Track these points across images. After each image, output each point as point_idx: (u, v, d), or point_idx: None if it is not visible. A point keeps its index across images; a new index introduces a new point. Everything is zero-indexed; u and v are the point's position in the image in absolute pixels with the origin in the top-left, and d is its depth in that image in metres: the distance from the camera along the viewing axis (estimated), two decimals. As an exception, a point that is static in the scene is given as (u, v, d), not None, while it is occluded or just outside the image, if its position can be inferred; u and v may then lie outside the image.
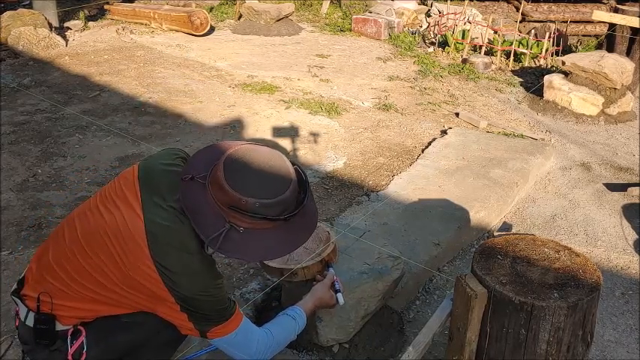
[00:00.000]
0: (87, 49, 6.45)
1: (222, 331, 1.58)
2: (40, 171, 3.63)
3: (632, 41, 5.94)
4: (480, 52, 6.79)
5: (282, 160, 1.52)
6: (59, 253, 1.57)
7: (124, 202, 1.51)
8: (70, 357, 1.55)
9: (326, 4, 9.06)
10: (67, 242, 1.56)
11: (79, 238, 1.53)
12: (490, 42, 6.86)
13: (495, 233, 3.34)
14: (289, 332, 1.77)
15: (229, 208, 1.44)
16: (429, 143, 4.23)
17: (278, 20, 7.61)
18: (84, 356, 1.56)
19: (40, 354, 1.60)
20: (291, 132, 4.39)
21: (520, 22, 8.00)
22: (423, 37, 7.63)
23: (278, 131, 4.39)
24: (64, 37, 6.64)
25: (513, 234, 2.38)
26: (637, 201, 3.66)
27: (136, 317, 1.57)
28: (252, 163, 1.48)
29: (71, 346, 1.55)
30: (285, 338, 1.77)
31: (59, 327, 1.57)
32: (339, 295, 1.96)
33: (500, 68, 6.49)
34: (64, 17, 7.41)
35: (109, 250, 1.47)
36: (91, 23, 7.58)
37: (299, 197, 1.52)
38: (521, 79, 6.12)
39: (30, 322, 1.57)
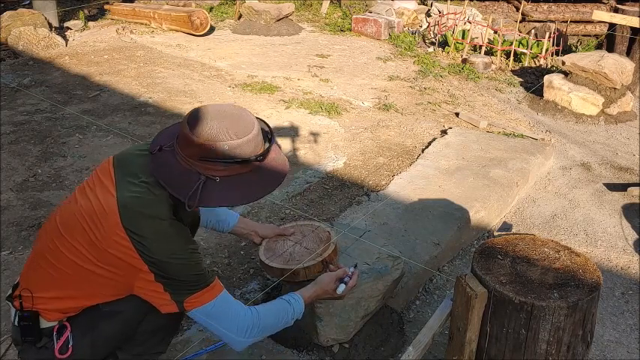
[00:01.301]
0: (87, 49, 6.44)
1: (199, 301, 1.55)
2: (40, 171, 3.63)
3: (632, 41, 5.95)
4: (480, 52, 6.79)
5: (242, 108, 1.59)
6: (42, 246, 1.61)
7: (101, 187, 1.56)
8: (56, 353, 1.56)
9: (326, 4, 9.06)
10: (48, 234, 1.60)
11: (57, 227, 1.57)
12: (490, 42, 6.86)
13: (495, 233, 3.34)
14: (280, 315, 1.72)
15: (200, 160, 1.49)
16: (429, 143, 4.23)
17: (278, 20, 7.61)
18: (69, 351, 1.57)
19: (30, 353, 1.61)
20: (291, 132, 4.39)
21: (520, 22, 8.01)
22: (423, 37, 7.63)
23: (278, 131, 4.39)
24: (64, 37, 6.64)
25: (513, 234, 2.39)
26: (637, 201, 3.66)
27: (117, 306, 1.59)
28: (214, 113, 1.53)
29: (57, 342, 1.57)
30: (276, 320, 1.71)
31: (45, 324, 1.58)
32: (342, 285, 1.89)
33: (500, 68, 6.49)
34: (64, 17, 7.41)
35: (84, 230, 1.50)
36: (91, 23, 7.58)
37: (265, 138, 1.59)
38: (521, 79, 6.12)
39: (16, 321, 1.60)
